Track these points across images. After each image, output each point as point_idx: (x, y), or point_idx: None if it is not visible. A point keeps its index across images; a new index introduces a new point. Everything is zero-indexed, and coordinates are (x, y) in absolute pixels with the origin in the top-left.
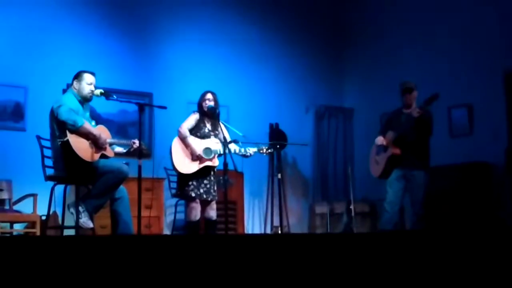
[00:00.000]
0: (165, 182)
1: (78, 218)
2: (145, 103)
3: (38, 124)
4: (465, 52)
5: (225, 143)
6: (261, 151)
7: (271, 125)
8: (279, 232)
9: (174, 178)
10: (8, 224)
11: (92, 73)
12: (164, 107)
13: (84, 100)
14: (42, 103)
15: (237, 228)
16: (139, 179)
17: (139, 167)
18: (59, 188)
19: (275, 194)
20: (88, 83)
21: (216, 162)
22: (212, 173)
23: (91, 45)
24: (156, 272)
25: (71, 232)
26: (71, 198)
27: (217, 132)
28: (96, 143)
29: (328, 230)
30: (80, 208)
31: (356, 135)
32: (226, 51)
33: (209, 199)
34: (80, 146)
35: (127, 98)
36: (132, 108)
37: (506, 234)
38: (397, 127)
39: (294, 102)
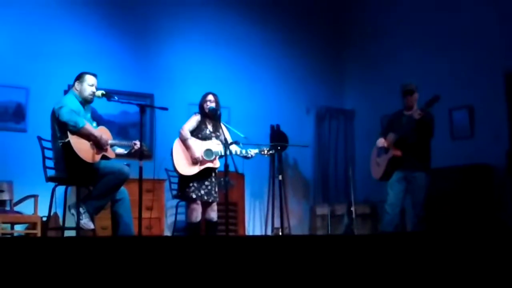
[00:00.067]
0: (166, 183)
1: (79, 219)
2: (146, 104)
3: (39, 125)
4: (465, 54)
5: (226, 145)
6: (262, 152)
7: (272, 127)
8: (280, 233)
9: (175, 180)
10: (9, 225)
11: (94, 75)
12: (165, 109)
13: (86, 102)
14: (44, 104)
15: (238, 230)
16: (140, 180)
17: (140, 168)
18: (60, 189)
19: (276, 196)
20: (89, 85)
21: (217, 164)
22: (213, 174)
23: (93, 47)
24: (157, 274)
25: (72, 233)
26: (72, 199)
27: (218, 133)
28: (97, 144)
29: (329, 232)
30: (81, 209)
31: (357, 137)
32: (227, 53)
33: (210, 200)
34: (81, 147)
35: (128, 99)
36: (133, 109)
37: (507, 236)
38: (398, 129)
39: (295, 103)
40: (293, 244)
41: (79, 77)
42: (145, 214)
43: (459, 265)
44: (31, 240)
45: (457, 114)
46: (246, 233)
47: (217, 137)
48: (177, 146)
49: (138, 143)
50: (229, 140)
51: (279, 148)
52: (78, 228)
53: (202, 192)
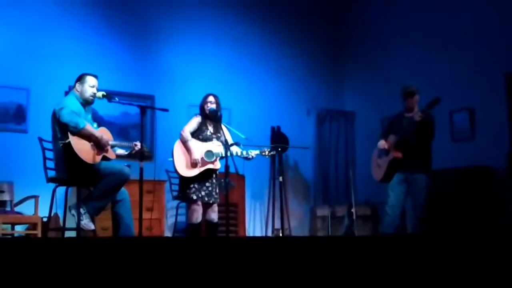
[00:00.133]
0: (167, 184)
1: (79, 220)
2: (147, 106)
3: (40, 126)
4: (465, 55)
5: (226, 146)
6: (263, 153)
7: (272, 128)
8: (280, 234)
9: (175, 181)
10: (9, 226)
11: (95, 76)
12: (166, 110)
13: (86, 103)
14: (44, 105)
15: (238, 231)
16: (141, 181)
17: (141, 169)
18: (61, 190)
19: (276, 197)
20: (90, 86)
21: (217, 165)
22: (214, 175)
23: (93, 48)
24: (157, 274)
25: (72, 234)
26: (72, 200)
27: (219, 134)
28: (98, 145)
29: (329, 233)
30: (82, 210)
31: (357, 138)
32: (228, 54)
33: (211, 201)
34: (82, 148)
35: (129, 100)
36: (134, 110)
37: (508, 238)
38: (399, 131)
39: (296, 105)
40: (293, 246)
41: (80, 78)
42: (146, 215)
43: (459, 267)
44: (32, 241)
45: (457, 116)
46: (247, 234)
47: (217, 138)
48: (177, 147)
49: (138, 144)
50: (230, 141)
51: (279, 149)
52: (78, 228)
53: (203, 193)
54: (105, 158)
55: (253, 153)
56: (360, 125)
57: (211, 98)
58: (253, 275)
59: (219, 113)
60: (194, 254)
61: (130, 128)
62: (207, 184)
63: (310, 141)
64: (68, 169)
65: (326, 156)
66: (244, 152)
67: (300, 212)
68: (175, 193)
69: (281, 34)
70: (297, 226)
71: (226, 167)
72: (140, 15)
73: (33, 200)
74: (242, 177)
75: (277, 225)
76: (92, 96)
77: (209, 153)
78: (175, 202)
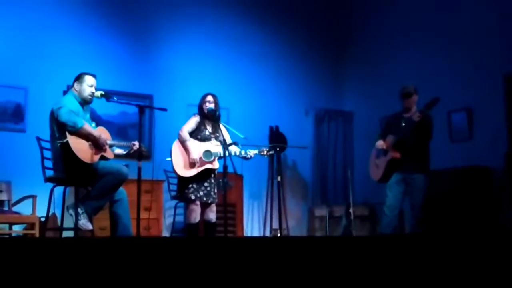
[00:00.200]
0: (165, 184)
1: (77, 219)
2: (145, 105)
3: (38, 126)
4: (464, 56)
5: (225, 146)
6: (262, 153)
7: (271, 128)
8: (278, 234)
9: (174, 180)
10: (7, 226)
11: (93, 75)
12: (164, 109)
13: (85, 102)
14: (42, 104)
15: (236, 231)
16: (139, 181)
17: (139, 169)
18: (59, 190)
19: (275, 197)
20: (89, 85)
21: (216, 165)
22: (212, 175)
23: (92, 47)
24: (155, 274)
25: (70, 233)
26: (70, 199)
27: (217, 134)
28: (96, 144)
29: (327, 233)
30: (79, 210)
31: (355, 138)
32: (227, 53)
33: (209, 201)
34: (80, 147)
35: (127, 100)
36: (132, 110)
37: (506, 238)
38: (397, 131)
39: (294, 105)
40: (291, 246)
41: (79, 78)
42: (144, 215)
43: (457, 267)
44: (29, 241)
45: (456, 116)
46: (245, 234)
47: (216, 138)
48: (176, 147)
49: (137, 143)
50: (228, 141)
51: (278, 149)
52: (76, 228)
53: (201, 193)
54: (103, 158)
55: (252, 152)
56: (359, 125)
57: (209, 98)
58: (251, 275)
59: (217, 113)
60: (192, 254)
61: (128, 127)
62: (206, 184)
63: (308, 141)
64: (66, 169)
65: (324, 156)
66: (243, 152)
67: (298, 212)
68: (173, 193)
69: (280, 34)
70: (295, 226)
71: (225, 167)
72: (139, 15)
73: (31, 199)
74: (240, 177)
75: (275, 225)
76: (90, 95)
77: (207, 153)
78: (173, 202)
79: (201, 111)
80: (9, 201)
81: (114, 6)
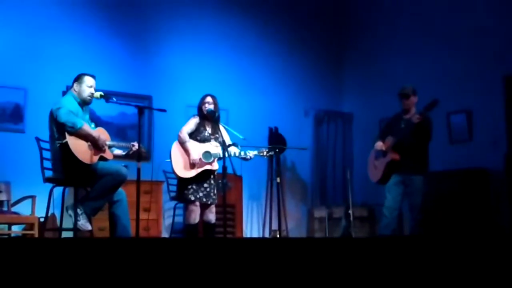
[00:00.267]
0: (164, 185)
1: (76, 220)
2: (144, 106)
3: (38, 126)
4: (464, 58)
5: (224, 146)
6: (261, 154)
7: (270, 129)
8: (278, 236)
9: (173, 181)
10: (6, 226)
11: (93, 76)
12: (163, 110)
13: (84, 103)
14: (42, 105)
15: (236, 232)
16: (138, 181)
17: (138, 170)
18: (58, 190)
19: (274, 198)
20: (88, 86)
21: (215, 166)
22: (212, 176)
23: (91, 48)
24: (154, 275)
25: (69, 234)
26: (69, 200)
27: (217, 135)
28: (95, 145)
29: (327, 235)
30: (79, 210)
31: (355, 140)
32: (226, 55)
33: (209, 202)
34: (79, 148)
35: (126, 100)
36: (131, 110)
37: (504, 239)
38: (396, 133)
39: (294, 106)
40: (290, 247)
41: (78, 78)
42: (143, 216)
43: (456, 268)
44: (28, 241)
45: (455, 118)
46: (244, 235)
47: (216, 139)
48: (175, 149)
49: (136, 144)
50: (228, 142)
51: (277, 150)
52: (75, 229)
53: (201, 194)
54: (102, 159)
55: (251, 153)
56: (358, 126)
57: (209, 99)
58: (251, 276)
59: (217, 114)
60: (192, 255)
61: (127, 128)
62: (205, 185)
63: (308, 142)
64: (65, 169)
65: (323, 158)
66: (242, 153)
67: (298, 213)
68: (172, 194)
69: (279, 35)
70: (294, 227)
71: (224, 168)
72: (138, 16)
73: (30, 200)
74: (239, 178)
75: (274, 226)
76: (90, 96)
77: (207, 154)
78: (173, 203)
79: (200, 112)
80: (8, 201)
81: (114, 7)
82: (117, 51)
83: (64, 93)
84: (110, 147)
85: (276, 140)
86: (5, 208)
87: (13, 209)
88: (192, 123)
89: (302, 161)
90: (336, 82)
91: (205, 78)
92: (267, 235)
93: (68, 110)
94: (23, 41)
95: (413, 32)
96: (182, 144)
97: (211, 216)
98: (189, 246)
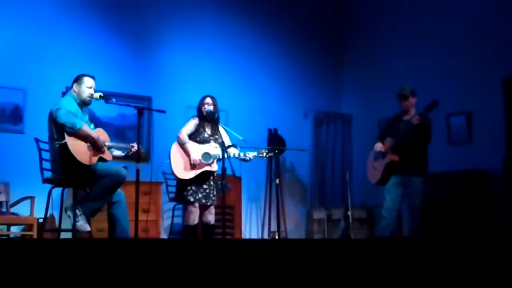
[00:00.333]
0: (163, 186)
1: (75, 221)
2: (144, 107)
3: (37, 127)
4: (463, 59)
5: (223, 148)
6: (261, 155)
7: (269, 130)
8: (277, 237)
9: (172, 182)
10: (5, 227)
11: (92, 77)
12: (163, 111)
13: (83, 104)
14: (41, 105)
15: (235, 233)
16: (137, 182)
17: (137, 171)
18: (57, 191)
19: (273, 199)
20: (88, 87)
21: (215, 167)
22: (211, 178)
23: (91, 49)
24: (153, 276)
25: (68, 235)
26: (68, 201)
27: (216, 136)
28: (94, 146)
29: (326, 236)
30: (78, 211)
31: (354, 141)
32: (226, 56)
33: (208, 203)
34: (78, 149)
35: (126, 101)
36: (131, 111)
37: (503, 241)
38: (396, 134)
39: (293, 107)
40: (289, 248)
41: (77, 79)
42: (142, 217)
43: (455, 270)
44: (27, 242)
45: (454, 120)
46: (243, 237)
47: (215, 140)
48: (175, 150)
49: (135, 145)
50: (228, 143)
51: (276, 152)
52: (74, 230)
53: (200, 195)
54: (101, 159)
55: (251, 154)
56: (357, 128)
57: (208, 100)
58: (249, 277)
59: (216, 115)
60: (191, 256)
61: (127, 129)
62: (205, 186)
63: (307, 144)
64: (64, 170)
65: (323, 159)
66: (242, 154)
67: (297, 215)
68: (171, 195)
69: (279, 36)
70: (294, 228)
71: (223, 169)
72: (138, 17)
73: (29, 201)
74: (238, 179)
75: (274, 227)
76: (89, 97)
77: (206, 155)
78: (172, 204)
79: (200, 113)
80: (7, 202)
81: (113, 8)
82: (117, 52)
83: (63, 94)
84: (109, 148)
85: (275, 141)
86: (4, 209)
87: (12, 210)
88: (191, 124)
89: (301, 163)
90: (336, 83)
91: (205, 79)
92: (266, 236)
93: (68, 110)
94: (23, 42)
95: (413, 32)
96: (182, 145)
97: (210, 217)
98: (188, 247)
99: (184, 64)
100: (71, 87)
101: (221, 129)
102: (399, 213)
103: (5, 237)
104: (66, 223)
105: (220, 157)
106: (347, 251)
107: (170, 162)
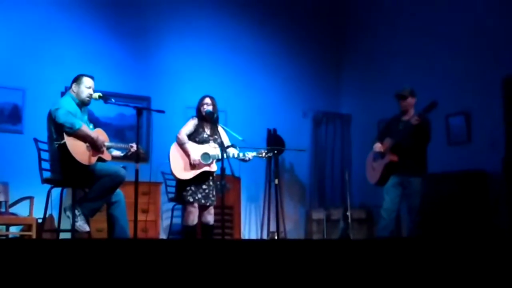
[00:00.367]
0: (162, 186)
1: (74, 221)
2: (143, 107)
3: (36, 127)
4: (462, 59)
5: (223, 148)
6: (260, 155)
7: (268, 131)
8: (276, 237)
9: (171, 183)
10: (4, 227)
11: (91, 77)
12: (162, 111)
13: (82, 104)
14: (40, 105)
15: (234, 233)
16: (136, 183)
17: (136, 171)
18: (56, 191)
19: (272, 200)
20: (87, 87)
21: (214, 168)
22: (211, 178)
23: (90, 49)
24: (152, 277)
25: (67, 235)
26: (67, 201)
27: (216, 136)
28: (93, 146)
29: (325, 236)
30: (77, 212)
31: (353, 141)
32: (225, 56)
33: (208, 204)
34: (77, 149)
35: (125, 101)
36: (130, 112)
37: (502, 242)
38: (395, 134)
39: (292, 107)
40: (288, 248)
41: (77, 79)
42: (141, 217)
43: (454, 270)
44: (26, 242)
45: (454, 120)
46: (242, 237)
47: (214, 141)
48: (174, 150)
49: (134, 145)
50: (227, 143)
51: (275, 152)
52: (73, 230)
53: (199, 195)
54: (100, 160)
55: (250, 155)
56: (356, 128)
57: (207, 100)
58: (248, 278)
59: (215, 115)
60: (190, 256)
61: (126, 129)
62: (204, 186)
63: (306, 144)
64: (63, 170)
65: (322, 159)
66: (241, 154)
67: (296, 215)
68: (170, 195)
69: (278, 36)
70: (293, 229)
71: (222, 169)
72: (137, 17)
73: (28, 201)
74: (237, 180)
75: (273, 228)
76: (88, 97)
77: (205, 155)
78: (171, 204)
79: (199, 114)
80: (6, 202)
81: (112, 8)
82: (116, 52)
83: (62, 94)
84: (108, 148)
85: (274, 141)
86: (3, 209)
87: (11, 210)
88: (190, 125)
89: (301, 163)
90: (335, 83)
91: (204, 80)
92: (265, 236)
93: (67, 111)
94: (22, 42)
95: (412, 32)
96: (181, 145)
97: (210, 217)
98: (187, 248)
99: (183, 64)
100: (70, 87)
101: (220, 129)
102: (398, 214)
103: (4, 238)
104: (65, 223)
105: (219, 157)
106: (346, 252)
107: (169, 163)
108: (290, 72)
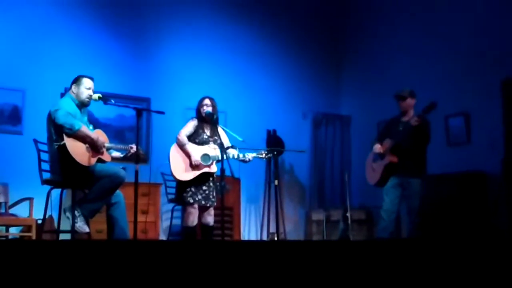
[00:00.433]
0: (162, 187)
1: (74, 222)
2: (143, 108)
3: (35, 128)
4: (462, 60)
5: (222, 149)
6: (260, 155)
7: (268, 132)
8: (275, 238)
9: (171, 184)
10: (4, 228)
11: (91, 78)
12: (162, 112)
13: (82, 105)
14: (40, 106)
15: (233, 234)
16: (136, 184)
17: (136, 172)
18: (56, 192)
19: (272, 201)
20: (86, 88)
21: (214, 169)
22: (211, 179)
23: (90, 50)
24: (152, 278)
25: (67, 236)
26: (67, 202)
27: (215, 137)
28: (93, 147)
29: (325, 237)
30: (76, 213)
31: (353, 142)
32: (225, 57)
33: (208, 205)
34: (77, 150)
35: (125, 103)
36: (130, 113)
37: (502, 243)
38: (394, 135)
39: (292, 108)
40: (288, 250)
41: (76, 80)
42: (141, 218)
43: (454, 271)
44: (26, 243)
45: (453, 121)
46: (242, 238)
47: (214, 142)
48: (174, 151)
49: (134, 146)
50: (227, 144)
51: (275, 153)
52: (73, 231)
53: (200, 196)
54: (100, 161)
55: (250, 156)
56: (356, 129)
57: (207, 101)
58: (248, 279)
59: (215, 116)
60: (189, 257)
61: (126, 130)
62: (204, 187)
63: (306, 145)
64: (63, 171)
65: (321, 160)
66: (241, 155)
67: (295, 216)
68: (170, 196)
69: (278, 37)
70: (292, 230)
71: (222, 170)
72: (137, 17)
73: (27, 202)
74: (237, 181)
75: (272, 229)
76: (88, 98)
77: (205, 156)
78: (170, 205)
79: (199, 115)
80: (6, 203)
81: (112, 9)
82: (116, 53)
83: (62, 95)
84: (108, 149)
85: (274, 142)
86: (2, 210)
87: (11, 211)
88: (190, 126)
89: (300, 164)
90: (334, 84)
91: (204, 81)
92: (265, 237)
93: (66, 111)
94: (22, 43)
95: (412, 33)
96: (181, 146)
97: (210, 218)
98: (187, 249)
99: (183, 65)
100: (70, 88)
101: (220, 130)
102: (398, 215)
103: (4, 238)
104: (65, 224)
105: (219, 158)
106: (346, 253)
107: (169, 164)
108: (290, 73)
